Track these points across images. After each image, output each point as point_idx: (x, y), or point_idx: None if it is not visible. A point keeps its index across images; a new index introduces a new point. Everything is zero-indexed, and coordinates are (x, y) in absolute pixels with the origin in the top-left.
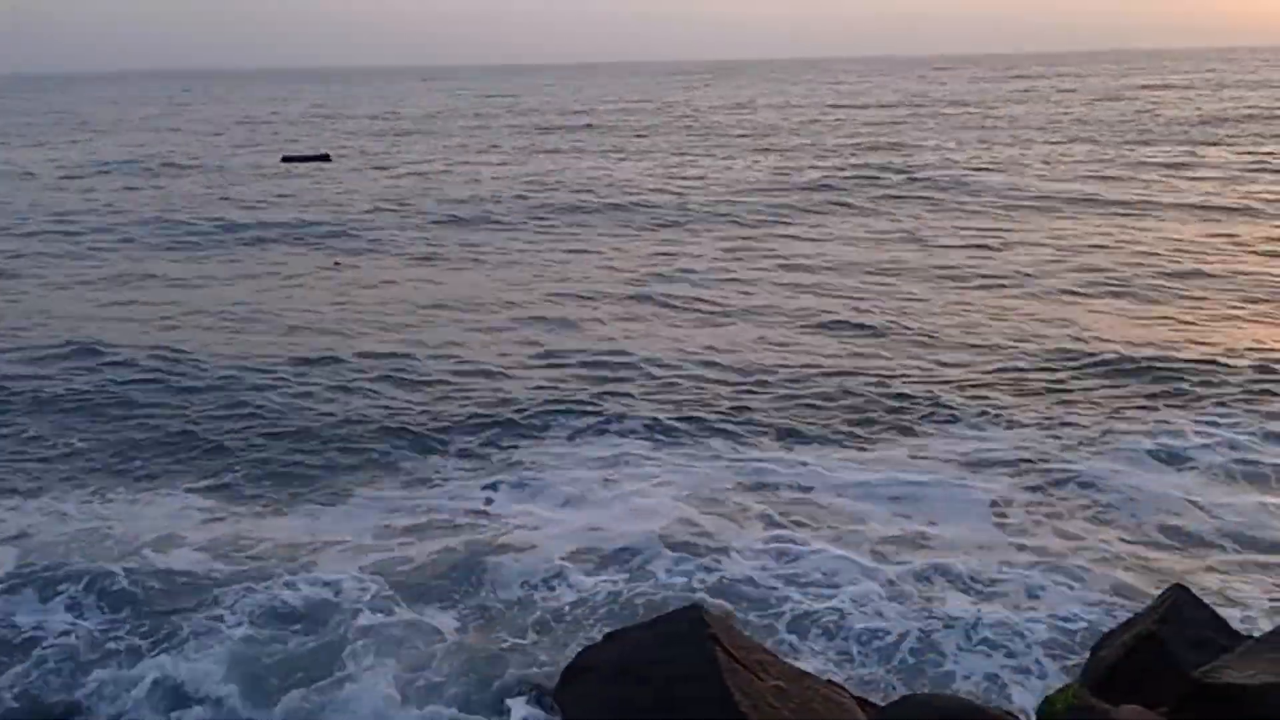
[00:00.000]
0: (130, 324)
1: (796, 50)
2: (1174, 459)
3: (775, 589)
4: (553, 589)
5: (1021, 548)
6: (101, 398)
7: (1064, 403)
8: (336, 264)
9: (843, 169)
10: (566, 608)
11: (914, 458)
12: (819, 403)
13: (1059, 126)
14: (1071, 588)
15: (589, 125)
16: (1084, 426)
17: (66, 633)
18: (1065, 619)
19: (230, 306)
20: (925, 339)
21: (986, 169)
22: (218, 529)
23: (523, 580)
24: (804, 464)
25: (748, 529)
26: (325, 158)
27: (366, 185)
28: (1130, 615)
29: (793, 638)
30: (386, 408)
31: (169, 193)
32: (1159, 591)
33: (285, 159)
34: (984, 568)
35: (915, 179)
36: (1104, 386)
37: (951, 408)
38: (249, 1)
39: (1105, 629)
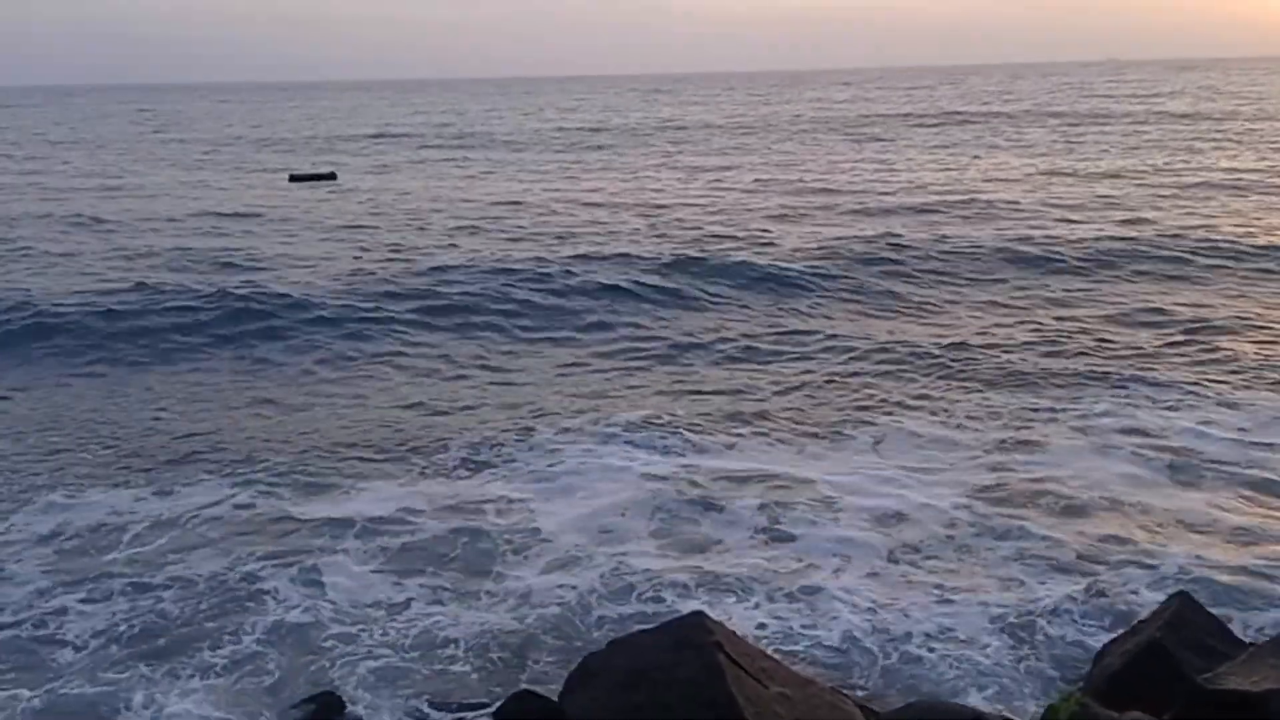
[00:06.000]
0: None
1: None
2: (1151, 448)
3: (775, 595)
4: (554, 593)
5: (1011, 549)
6: (127, 391)
7: (1026, 392)
8: (357, 257)
9: None
10: (568, 613)
11: (879, 453)
12: (802, 401)
13: None
14: (1073, 594)
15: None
16: (1049, 414)
17: (101, 632)
18: (1067, 624)
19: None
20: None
21: None
22: (236, 524)
23: (523, 583)
24: (791, 461)
25: (746, 531)
26: (332, 176)
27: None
28: (1136, 622)
29: (796, 644)
30: (390, 407)
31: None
32: (1147, 588)
33: (292, 178)
34: (977, 572)
35: None
36: (1068, 373)
37: (916, 404)
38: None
39: (1104, 634)
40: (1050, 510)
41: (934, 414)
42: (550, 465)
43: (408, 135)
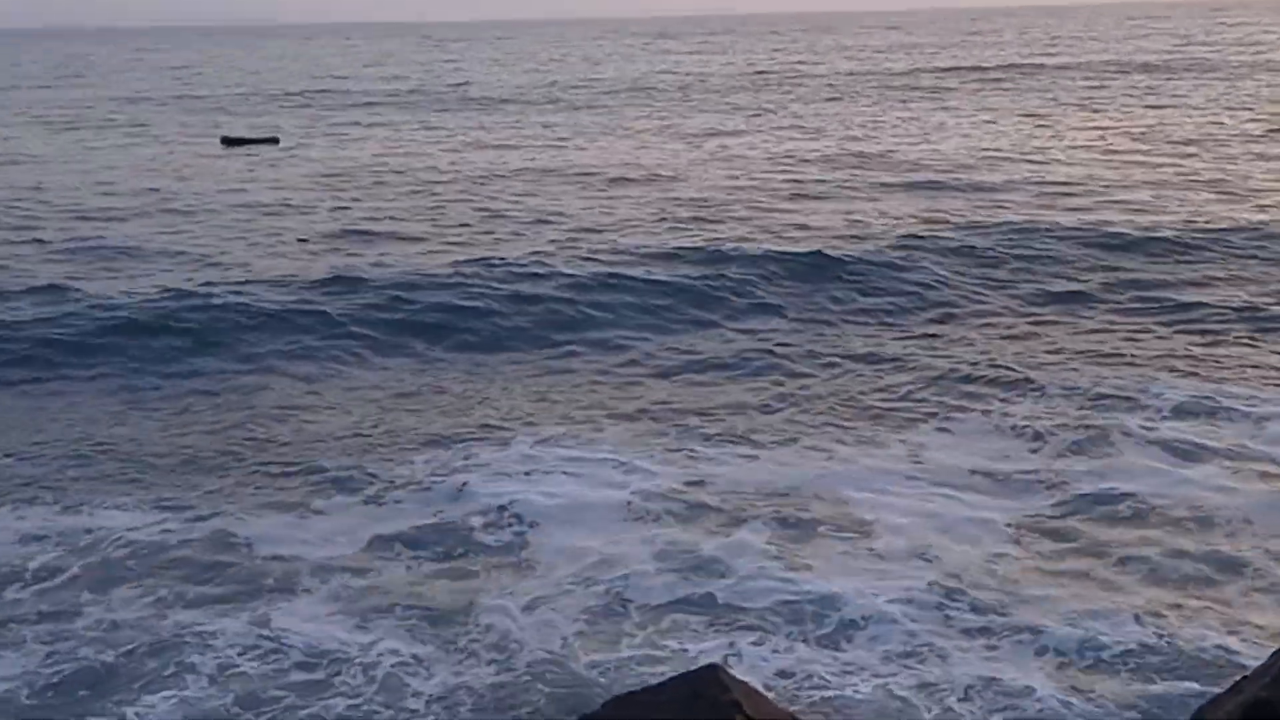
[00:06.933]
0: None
1: None
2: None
3: (797, 636)
4: (540, 633)
5: (1072, 582)
6: (28, 406)
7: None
8: (303, 239)
9: None
10: (557, 659)
11: (920, 463)
12: (829, 403)
13: None
14: (1149, 640)
15: None
16: (1119, 419)
17: (11, 684)
18: (1142, 677)
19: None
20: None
21: None
22: (168, 554)
23: (505, 621)
24: (817, 473)
25: (763, 557)
26: (273, 140)
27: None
28: (1239, 678)
29: (823, 694)
30: (346, 419)
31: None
32: (1244, 636)
33: (225, 141)
34: (1031, 610)
35: None
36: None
37: (962, 406)
38: None
39: (1191, 691)
40: (1121, 535)
41: (983, 417)
42: (534, 482)
43: (362, 91)
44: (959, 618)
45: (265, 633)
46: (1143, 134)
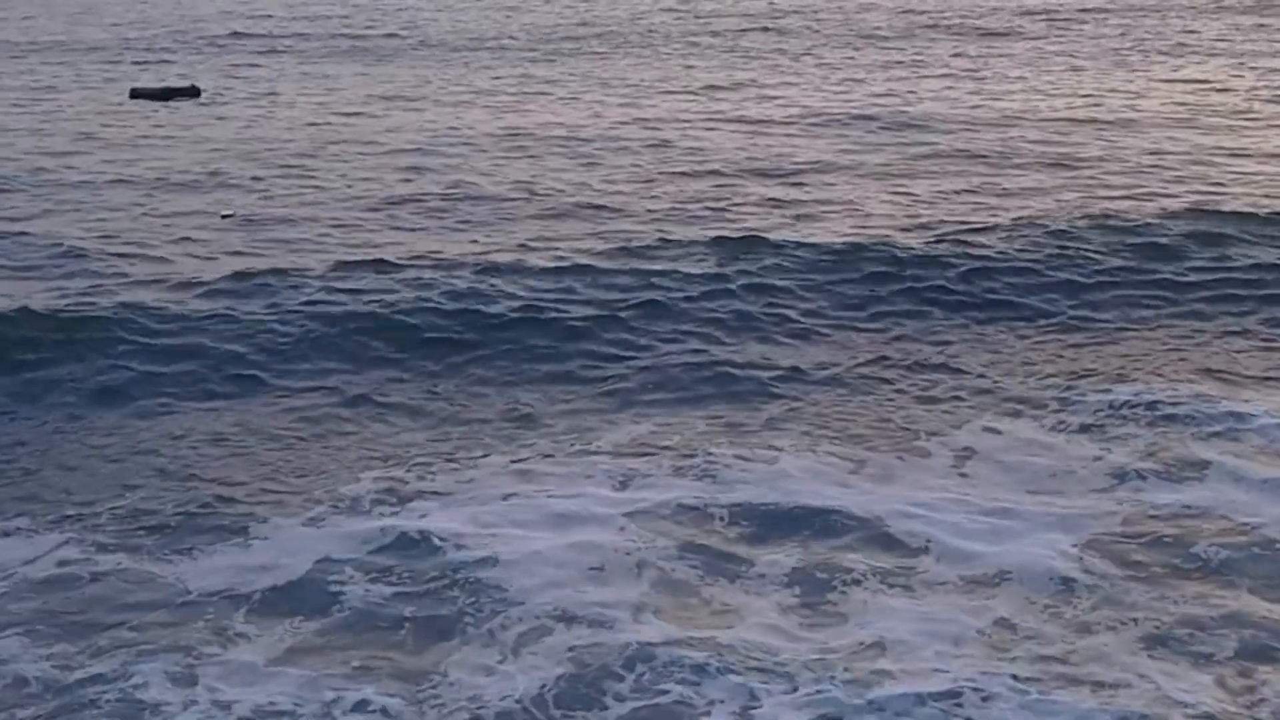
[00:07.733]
0: None
1: None
2: None
3: (825, 683)
4: (520, 685)
5: (1142, 627)
6: None
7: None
8: (228, 215)
9: None
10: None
11: (970, 484)
12: (859, 405)
13: None
14: (1230, 702)
15: None
16: (1204, 423)
17: None
18: None
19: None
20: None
21: None
22: (70, 592)
23: (479, 671)
24: (833, 489)
25: (781, 592)
26: (194, 92)
27: None
28: None
29: None
30: (284, 433)
31: None
32: None
33: (135, 94)
34: (1092, 659)
35: None
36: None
37: (1015, 406)
38: None
39: None
40: (1203, 579)
41: (1044, 433)
42: (511, 511)
43: (298, 34)
44: (1013, 668)
45: (198, 688)
46: (1252, 90)
